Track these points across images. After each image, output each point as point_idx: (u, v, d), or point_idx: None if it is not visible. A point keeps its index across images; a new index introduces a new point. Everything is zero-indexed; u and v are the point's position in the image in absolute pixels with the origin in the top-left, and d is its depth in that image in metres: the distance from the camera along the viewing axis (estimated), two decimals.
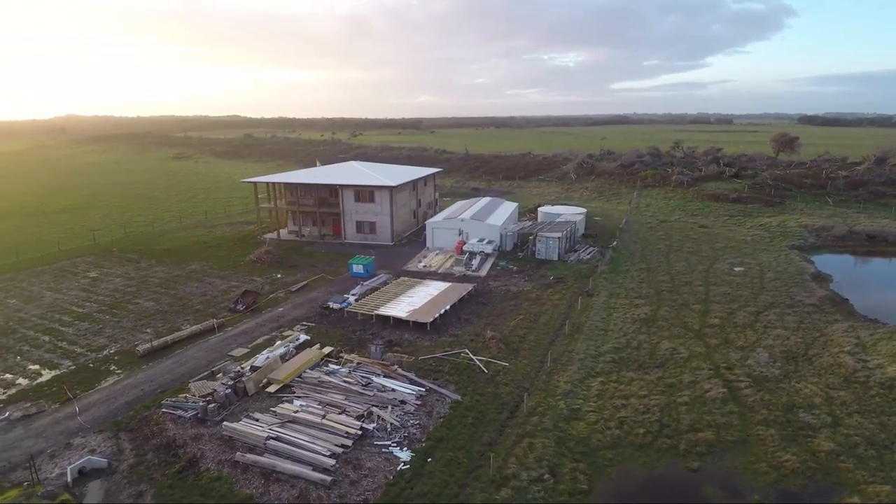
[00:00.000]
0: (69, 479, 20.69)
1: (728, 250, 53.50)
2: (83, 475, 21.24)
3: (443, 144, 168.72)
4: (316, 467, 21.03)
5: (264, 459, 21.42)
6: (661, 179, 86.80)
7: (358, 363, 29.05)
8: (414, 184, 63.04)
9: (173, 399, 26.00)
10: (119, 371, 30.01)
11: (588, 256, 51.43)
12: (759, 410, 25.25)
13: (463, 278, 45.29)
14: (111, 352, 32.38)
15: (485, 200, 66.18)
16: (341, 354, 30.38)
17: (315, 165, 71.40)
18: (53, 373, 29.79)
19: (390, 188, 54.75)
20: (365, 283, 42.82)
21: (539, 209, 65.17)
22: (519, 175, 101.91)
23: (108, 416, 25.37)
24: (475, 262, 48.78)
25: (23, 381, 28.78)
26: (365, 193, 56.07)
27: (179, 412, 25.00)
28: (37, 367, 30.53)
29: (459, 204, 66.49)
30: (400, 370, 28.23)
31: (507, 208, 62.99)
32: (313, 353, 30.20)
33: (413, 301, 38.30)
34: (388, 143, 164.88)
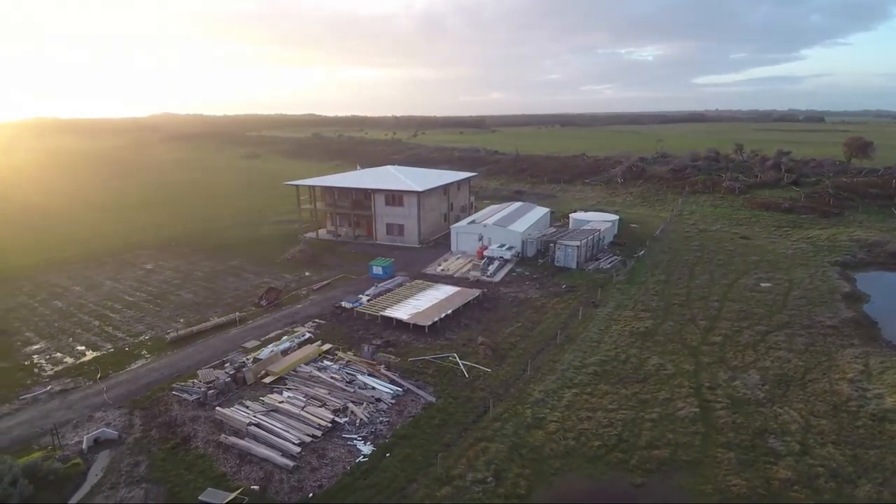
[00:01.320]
0: (84, 446, 24.39)
1: (762, 264, 51.25)
2: (97, 444, 24.90)
3: (499, 144, 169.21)
4: (284, 453, 23.53)
5: (242, 442, 24.19)
6: (712, 185, 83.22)
7: (348, 361, 31.43)
8: (446, 188, 64.91)
9: (182, 383, 29.52)
10: (148, 356, 34.13)
11: (609, 265, 51.14)
12: (725, 433, 25.08)
13: (476, 283, 46.67)
14: (146, 338, 36.73)
15: (516, 205, 66.85)
16: (336, 352, 32.90)
17: (356, 169, 74.89)
18: (95, 354, 34.37)
19: (418, 193, 56.95)
20: (380, 285, 45.25)
21: (570, 215, 65.04)
22: (564, 178, 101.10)
23: (129, 394, 29.21)
24: (491, 268, 49.95)
25: (69, 360, 33.51)
26: (394, 197, 58.66)
27: (185, 395, 28.42)
28: (83, 348, 35.33)
29: (491, 208, 67.58)
30: (383, 370, 30.30)
31: (537, 214, 63.39)
32: (311, 349, 32.91)
33: (419, 304, 40.24)
34: (445, 144, 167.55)
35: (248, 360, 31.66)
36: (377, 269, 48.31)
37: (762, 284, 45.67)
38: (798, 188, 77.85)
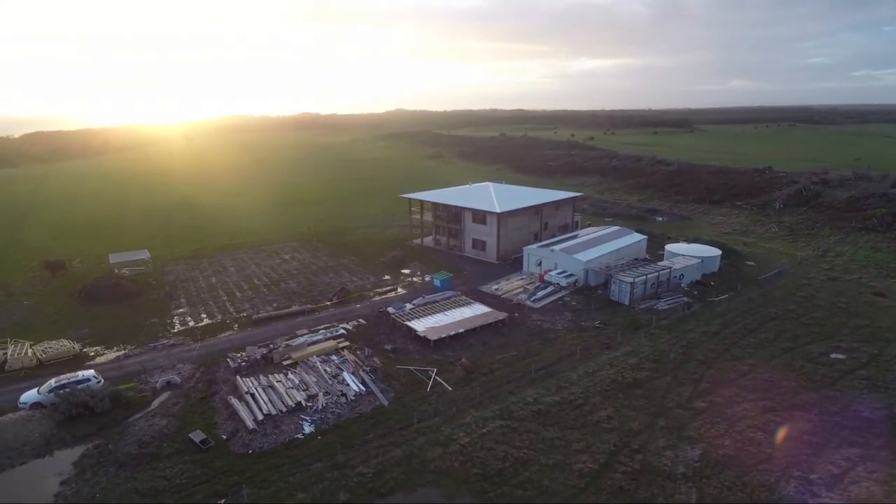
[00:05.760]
0: (158, 385, 36.72)
1: (862, 330, 43.36)
2: (168, 385, 37.13)
3: (680, 150, 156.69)
4: (255, 419, 32.38)
5: (236, 403, 33.79)
6: (891, 222, 68.12)
7: (344, 359, 39.11)
8: (538, 209, 67.50)
9: (234, 354, 40.74)
10: (235, 329, 46.69)
11: (666, 307, 48.90)
12: (601, 494, 25.99)
13: (515, 307, 49.80)
14: (243, 315, 49.67)
15: (610, 230, 65.84)
16: (345, 350, 40.82)
17: (467, 184, 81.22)
18: (208, 322, 48.30)
19: (498, 214, 61.30)
20: (427, 296, 51.65)
21: (666, 247, 61.70)
22: (713, 198, 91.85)
23: (205, 355, 41.48)
24: (540, 293, 52.17)
25: (191, 323, 47.93)
26: (479, 216, 63.98)
27: (230, 363, 39.45)
28: (205, 315, 49.71)
29: (587, 230, 67.90)
30: (361, 371, 37.19)
31: (626, 241, 61.88)
32: (330, 343, 41.42)
33: (442, 319, 45.67)
34: (617, 148, 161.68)
35: (282, 344, 41.62)
36: (436, 282, 54.68)
37: (832, 355, 39.54)
38: None
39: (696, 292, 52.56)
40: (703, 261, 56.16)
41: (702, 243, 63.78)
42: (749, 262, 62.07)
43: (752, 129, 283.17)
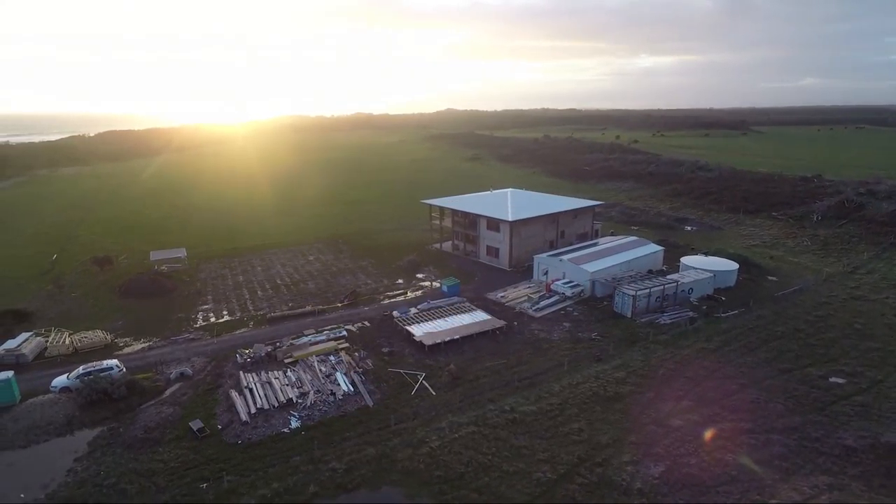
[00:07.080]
0: (172, 376, 40.34)
1: (872, 353, 41.79)
2: (181, 376, 40.72)
3: (732, 152, 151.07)
4: (248, 412, 35.22)
5: (234, 396, 36.80)
6: None
7: (340, 360, 41.49)
8: (555, 217, 67.88)
9: (242, 350, 43.95)
10: (250, 326, 50.09)
11: (669, 321, 48.56)
12: (553, 502, 26.97)
13: (516, 315, 50.78)
14: (259, 313, 53.05)
15: (626, 240, 65.33)
16: (342, 351, 43.22)
17: (488, 190, 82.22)
18: (227, 318, 51.99)
19: (510, 222, 62.26)
20: (432, 301, 53.37)
21: (681, 259, 60.72)
22: (748, 208, 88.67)
23: (218, 350, 44.91)
24: (543, 303, 52.83)
25: (212, 319, 51.75)
26: (493, 223, 65.11)
27: (238, 358, 42.65)
28: (226, 312, 53.49)
29: (605, 239, 67.68)
30: (353, 372, 39.43)
31: (640, 252, 61.39)
32: (330, 344, 43.93)
33: (441, 325, 47.34)
34: (660, 152, 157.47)
35: (287, 342, 44.50)
36: (444, 287, 56.32)
37: (831, 379, 38.47)
38: None
39: (704, 307, 51.72)
40: (715, 275, 55.08)
41: (723, 256, 62.37)
42: (771, 277, 60.18)
43: (814, 132, 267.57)
